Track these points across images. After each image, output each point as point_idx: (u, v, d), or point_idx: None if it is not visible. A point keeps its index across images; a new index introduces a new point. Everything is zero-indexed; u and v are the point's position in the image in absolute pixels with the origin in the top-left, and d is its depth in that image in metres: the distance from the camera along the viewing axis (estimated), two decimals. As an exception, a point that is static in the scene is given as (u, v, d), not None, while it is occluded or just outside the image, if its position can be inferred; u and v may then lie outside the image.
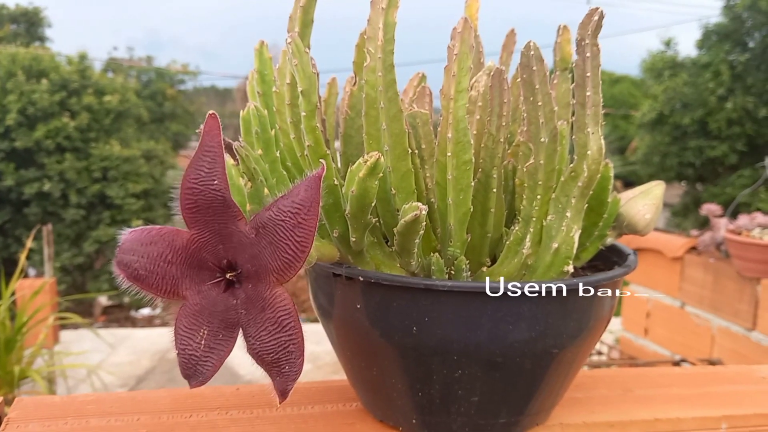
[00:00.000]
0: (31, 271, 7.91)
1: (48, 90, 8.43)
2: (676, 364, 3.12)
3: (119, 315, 7.88)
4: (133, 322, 7.61)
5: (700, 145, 7.43)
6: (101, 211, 8.53)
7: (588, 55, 0.56)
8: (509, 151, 0.68)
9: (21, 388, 3.29)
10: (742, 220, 3.09)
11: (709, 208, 3.38)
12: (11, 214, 8.38)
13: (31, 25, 13.03)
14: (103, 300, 8.02)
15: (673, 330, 3.48)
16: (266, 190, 0.55)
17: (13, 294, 3.44)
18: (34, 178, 8.31)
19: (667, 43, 8.59)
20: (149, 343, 5.75)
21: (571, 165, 0.60)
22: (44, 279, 4.67)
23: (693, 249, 3.41)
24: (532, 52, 0.57)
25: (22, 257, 3.54)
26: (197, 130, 0.58)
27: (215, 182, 0.48)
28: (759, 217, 3.08)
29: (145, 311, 7.92)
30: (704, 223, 3.87)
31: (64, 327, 5.56)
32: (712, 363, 3.07)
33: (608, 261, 0.76)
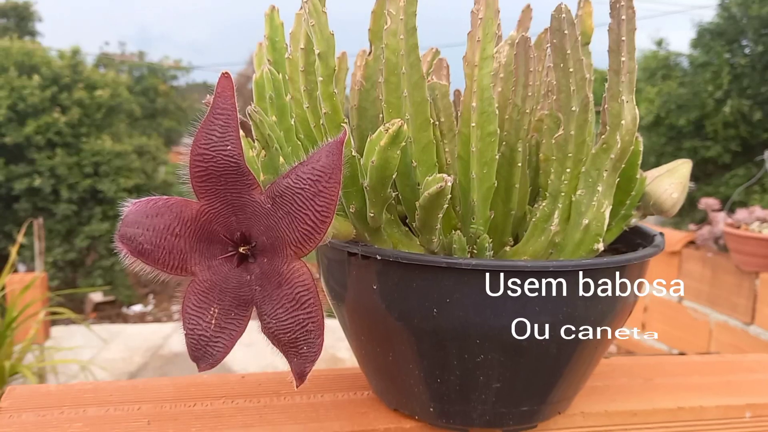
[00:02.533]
0: (22, 267, 7.83)
1: (39, 85, 8.34)
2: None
3: (111, 312, 7.81)
4: (125, 319, 7.55)
5: (694, 145, 7.43)
6: (93, 206, 8.45)
7: (623, 17, 0.53)
8: (532, 126, 0.65)
9: (11, 384, 3.24)
10: (741, 213, 3.07)
11: (707, 203, 3.37)
12: (1, 210, 8.29)
13: (21, 19, 12.90)
14: (95, 297, 7.94)
15: (670, 324, 3.47)
16: (281, 159, 0.52)
17: (2, 289, 3.38)
18: (24, 174, 8.23)
19: (659, 43, 8.57)
20: (142, 339, 5.69)
21: (603, 136, 0.56)
22: (35, 274, 4.61)
23: (691, 243, 3.40)
24: (563, 15, 0.54)
25: (13, 251, 3.49)
26: (204, 102, 0.54)
27: (228, 147, 0.44)
28: (758, 211, 3.07)
29: (137, 308, 7.86)
30: (700, 222, 3.86)
31: (55, 323, 5.49)
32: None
33: (631, 243, 0.73)
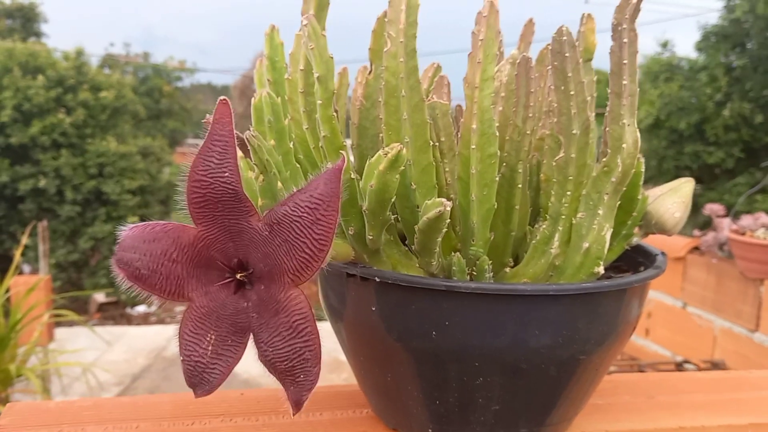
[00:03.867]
0: (26, 268, 7.85)
1: (44, 86, 8.37)
2: (678, 365, 3.09)
3: (115, 312, 7.82)
4: (129, 320, 7.56)
5: (696, 150, 7.40)
6: (97, 207, 8.47)
7: (625, 40, 0.52)
8: (533, 146, 0.64)
9: (15, 387, 3.24)
10: (746, 220, 3.06)
11: (712, 208, 3.36)
12: (6, 211, 8.32)
13: (26, 20, 12.94)
14: (99, 297, 7.96)
15: (674, 331, 3.45)
16: (279, 184, 0.51)
17: (7, 291, 3.39)
18: (29, 175, 8.25)
19: (664, 45, 8.55)
20: (145, 341, 5.70)
21: (604, 159, 0.56)
22: (39, 276, 4.62)
23: (695, 249, 3.38)
24: (564, 38, 0.53)
25: (17, 254, 3.49)
26: (204, 121, 0.54)
27: (226, 174, 0.44)
28: (763, 217, 3.06)
29: (141, 308, 7.87)
30: (703, 227, 3.85)
31: (59, 324, 5.51)
32: (714, 364, 3.05)
33: (633, 262, 0.72)
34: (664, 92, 7.58)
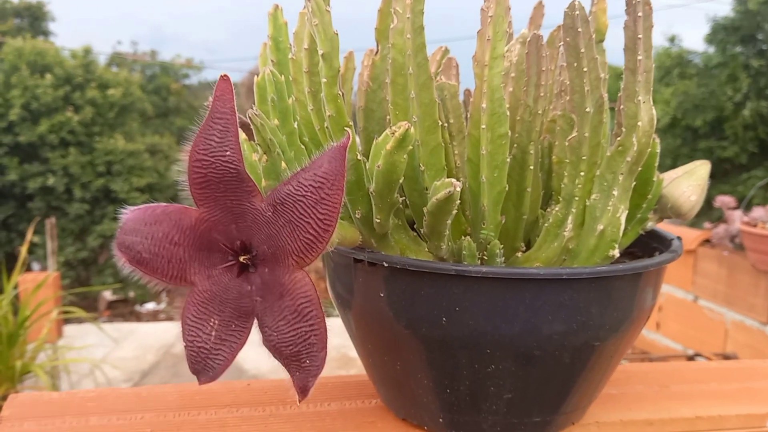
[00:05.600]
0: (36, 266, 7.89)
1: (52, 85, 8.39)
2: (690, 358, 3.06)
3: (124, 310, 7.85)
4: (138, 317, 7.59)
5: (710, 145, 7.36)
6: (105, 205, 8.50)
7: (640, 14, 0.50)
8: (545, 127, 0.62)
9: (24, 383, 3.25)
10: (758, 212, 3.03)
11: (723, 201, 3.32)
12: (15, 209, 8.35)
13: (34, 19, 12.98)
14: (108, 294, 7.99)
15: (685, 324, 3.42)
16: (283, 164, 0.50)
17: (15, 288, 3.39)
18: (37, 173, 8.29)
19: (672, 39, 8.48)
20: (154, 338, 5.71)
21: (619, 138, 0.54)
22: (47, 273, 4.63)
23: (706, 242, 3.35)
24: (577, 12, 0.52)
25: (23, 250, 3.50)
26: (205, 104, 0.52)
27: (227, 153, 0.43)
28: (775, 209, 3.02)
29: (150, 306, 7.89)
30: (716, 220, 3.81)
31: (67, 321, 5.52)
32: (726, 358, 3.02)
33: (647, 247, 0.71)
34: (678, 89, 7.54)
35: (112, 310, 7.79)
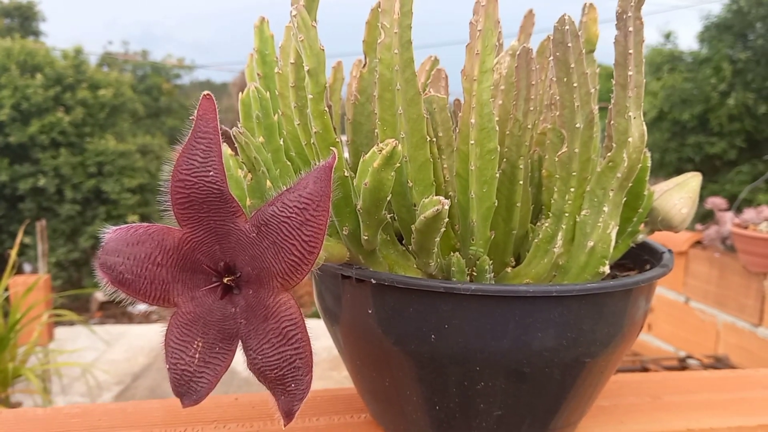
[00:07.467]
0: (27, 267, 7.84)
1: (42, 85, 8.34)
2: (681, 360, 3.07)
3: (116, 311, 7.81)
4: (130, 318, 7.55)
5: (699, 141, 7.36)
6: (97, 206, 8.46)
7: (630, 29, 0.50)
8: (534, 140, 0.62)
9: (14, 387, 3.22)
10: (749, 213, 3.03)
11: (714, 202, 3.33)
12: (5, 210, 8.30)
13: (24, 19, 12.89)
14: (100, 295, 7.94)
15: (677, 326, 3.43)
16: (268, 183, 0.49)
17: (6, 290, 3.37)
18: (28, 174, 8.24)
19: (667, 36, 8.49)
20: (145, 340, 5.68)
21: (609, 154, 0.53)
22: (38, 275, 4.60)
23: (698, 243, 3.36)
24: (566, 27, 0.51)
25: (13, 252, 3.46)
26: (190, 117, 0.51)
27: (211, 173, 0.42)
28: (766, 211, 3.03)
29: (142, 306, 7.85)
30: (704, 219, 3.82)
31: (59, 324, 5.49)
32: (718, 359, 3.02)
33: (638, 259, 0.70)
34: (666, 84, 7.54)
35: (104, 311, 7.75)
